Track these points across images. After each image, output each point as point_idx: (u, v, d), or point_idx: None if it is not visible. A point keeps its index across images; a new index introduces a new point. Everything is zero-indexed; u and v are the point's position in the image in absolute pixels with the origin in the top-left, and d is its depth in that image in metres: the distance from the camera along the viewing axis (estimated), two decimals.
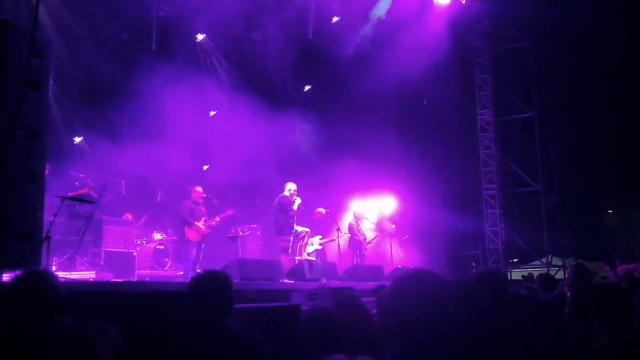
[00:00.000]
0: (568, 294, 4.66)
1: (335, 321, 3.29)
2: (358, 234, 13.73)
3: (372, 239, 14.16)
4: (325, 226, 13.99)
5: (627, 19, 15.93)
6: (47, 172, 6.29)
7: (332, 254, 13.80)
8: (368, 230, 14.52)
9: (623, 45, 16.82)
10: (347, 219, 14.92)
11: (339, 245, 13.02)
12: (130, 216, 11.94)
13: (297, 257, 11.72)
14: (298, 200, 11.43)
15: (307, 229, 12.25)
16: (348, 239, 13.62)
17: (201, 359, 3.03)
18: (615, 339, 3.15)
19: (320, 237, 13.46)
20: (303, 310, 4.78)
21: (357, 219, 14.07)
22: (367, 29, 16.27)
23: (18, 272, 3.16)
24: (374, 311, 4.84)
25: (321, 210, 12.87)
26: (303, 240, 12.27)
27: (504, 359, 2.61)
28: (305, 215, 12.68)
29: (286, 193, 11.53)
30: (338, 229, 12.93)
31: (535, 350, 3.12)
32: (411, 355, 2.20)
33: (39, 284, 3.03)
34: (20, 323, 2.86)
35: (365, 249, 13.75)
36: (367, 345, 3.14)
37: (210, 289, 3.22)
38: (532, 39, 17.51)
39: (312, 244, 13.06)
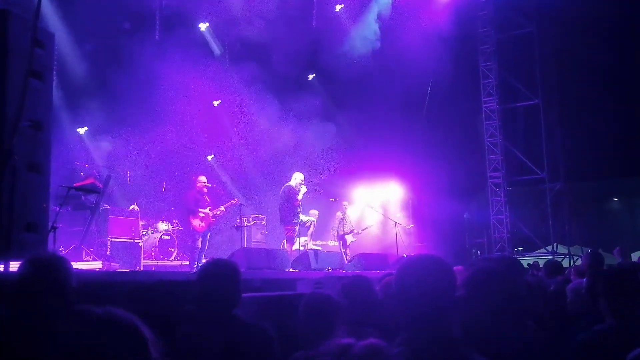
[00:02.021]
0: (584, 279, 4.63)
1: (334, 307, 3.26)
2: (339, 227, 13.37)
3: (364, 229, 13.83)
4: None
5: (633, 3, 15.80)
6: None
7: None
8: (364, 218, 14.40)
9: (629, 31, 16.67)
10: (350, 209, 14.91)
11: (344, 233, 13.02)
12: (137, 207, 11.92)
13: (302, 246, 11.69)
14: (303, 189, 11.36)
15: (313, 219, 12.21)
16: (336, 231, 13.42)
17: (210, 348, 3.02)
18: (618, 322, 3.11)
19: (306, 238, 13.15)
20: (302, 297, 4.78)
21: (342, 211, 13.66)
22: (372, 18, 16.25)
23: (33, 256, 3.08)
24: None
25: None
26: (309, 229, 12.24)
27: (517, 350, 2.59)
28: (310, 204, 12.66)
29: (292, 182, 11.46)
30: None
31: (543, 337, 3.10)
32: (417, 342, 2.18)
33: (54, 270, 2.98)
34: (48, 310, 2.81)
35: (349, 240, 13.36)
36: (375, 328, 3.12)
37: (219, 278, 3.20)
38: (537, 25, 17.38)
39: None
